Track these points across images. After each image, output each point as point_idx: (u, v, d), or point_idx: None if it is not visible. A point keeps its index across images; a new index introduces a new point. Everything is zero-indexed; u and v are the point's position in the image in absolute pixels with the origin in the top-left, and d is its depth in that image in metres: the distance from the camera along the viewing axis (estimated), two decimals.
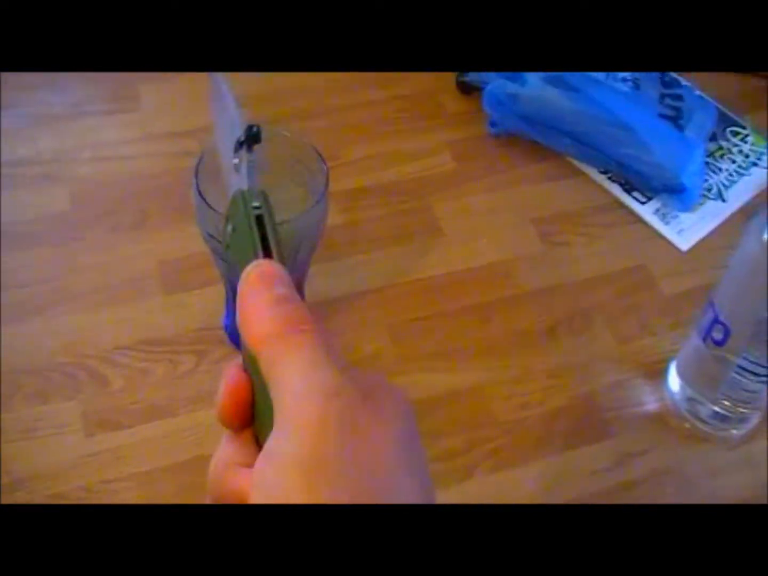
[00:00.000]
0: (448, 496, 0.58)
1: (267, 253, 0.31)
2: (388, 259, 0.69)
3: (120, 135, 0.76)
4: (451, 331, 0.65)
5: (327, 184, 0.54)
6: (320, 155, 0.55)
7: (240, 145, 0.34)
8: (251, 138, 0.34)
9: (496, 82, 0.76)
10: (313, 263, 0.60)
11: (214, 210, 0.51)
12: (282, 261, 0.31)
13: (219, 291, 0.64)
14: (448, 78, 0.81)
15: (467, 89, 0.80)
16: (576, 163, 0.76)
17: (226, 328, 0.64)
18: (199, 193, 0.52)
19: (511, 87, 0.75)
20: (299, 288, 0.61)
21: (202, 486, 0.58)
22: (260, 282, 0.29)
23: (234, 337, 0.63)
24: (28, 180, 0.72)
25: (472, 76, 0.79)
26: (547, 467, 0.60)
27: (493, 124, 0.77)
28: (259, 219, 0.31)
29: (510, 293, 0.68)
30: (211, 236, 0.54)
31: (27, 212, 0.69)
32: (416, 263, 0.69)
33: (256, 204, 0.32)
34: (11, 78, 0.79)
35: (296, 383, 0.26)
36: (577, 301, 0.68)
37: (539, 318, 0.67)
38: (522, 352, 0.65)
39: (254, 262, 0.30)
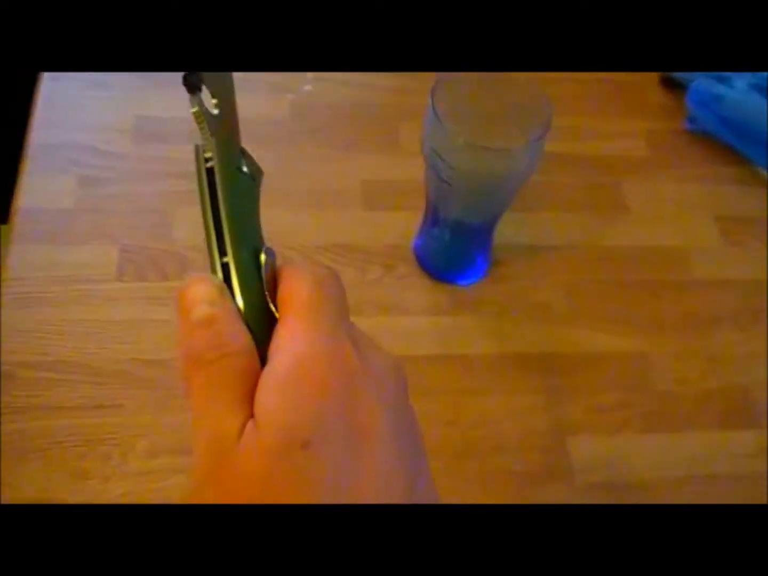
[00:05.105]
0: (595, 445, 0.61)
1: (216, 214, 0.31)
2: (575, 222, 0.72)
3: None
4: (622, 299, 0.68)
5: (548, 126, 0.57)
6: (547, 99, 0.58)
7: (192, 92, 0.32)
8: (189, 86, 0.32)
9: (702, 81, 0.78)
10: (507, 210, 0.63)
11: (443, 124, 0.55)
12: (231, 216, 0.31)
13: (413, 216, 0.68)
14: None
15: (670, 84, 0.82)
16: (763, 172, 0.78)
17: (416, 249, 0.68)
18: (434, 109, 0.56)
19: (718, 88, 0.77)
20: (493, 223, 0.65)
21: None
22: (180, 308, 0.29)
23: (422, 259, 0.68)
24: (255, 86, 0.78)
25: (677, 73, 0.82)
26: (695, 439, 0.62)
27: (691, 121, 0.79)
28: (210, 172, 0.32)
29: (683, 278, 0.70)
30: (434, 150, 0.58)
31: (254, 114, 0.75)
32: (599, 231, 0.72)
33: (208, 156, 0.32)
34: None
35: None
36: (744, 298, 0.70)
37: (706, 306, 0.69)
38: (685, 333, 0.67)
39: (185, 281, 0.30)
